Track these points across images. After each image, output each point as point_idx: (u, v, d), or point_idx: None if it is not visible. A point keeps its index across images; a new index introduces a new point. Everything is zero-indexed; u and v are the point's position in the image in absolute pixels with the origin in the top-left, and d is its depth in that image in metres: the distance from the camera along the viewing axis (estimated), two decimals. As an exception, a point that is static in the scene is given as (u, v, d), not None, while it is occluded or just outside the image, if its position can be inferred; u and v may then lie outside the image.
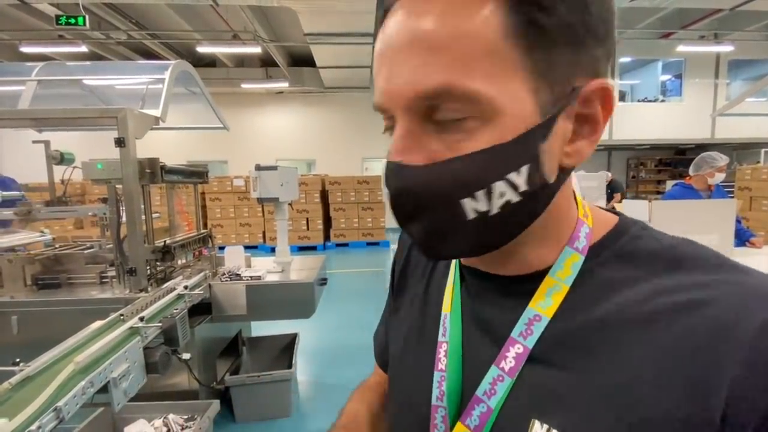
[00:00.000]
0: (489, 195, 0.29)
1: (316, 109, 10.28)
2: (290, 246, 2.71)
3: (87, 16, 4.97)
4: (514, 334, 0.33)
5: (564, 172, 0.32)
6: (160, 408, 1.97)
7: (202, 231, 2.73)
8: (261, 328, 2.98)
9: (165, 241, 2.23)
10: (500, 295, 0.36)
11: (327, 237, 8.03)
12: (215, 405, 1.97)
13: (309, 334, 3.18)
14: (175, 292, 1.88)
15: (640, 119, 9.55)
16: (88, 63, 2.55)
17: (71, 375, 1.16)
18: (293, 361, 2.52)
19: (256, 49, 7.17)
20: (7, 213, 2.20)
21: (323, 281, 2.50)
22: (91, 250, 2.47)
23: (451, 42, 0.26)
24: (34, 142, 2.30)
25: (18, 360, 1.22)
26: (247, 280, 2.20)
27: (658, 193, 11.11)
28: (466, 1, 0.26)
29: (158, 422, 1.92)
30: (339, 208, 7.97)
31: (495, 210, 0.29)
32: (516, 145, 0.28)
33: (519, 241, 0.33)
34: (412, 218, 0.32)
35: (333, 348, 3.30)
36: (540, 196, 0.31)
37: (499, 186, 0.29)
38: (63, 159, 2.29)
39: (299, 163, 10.40)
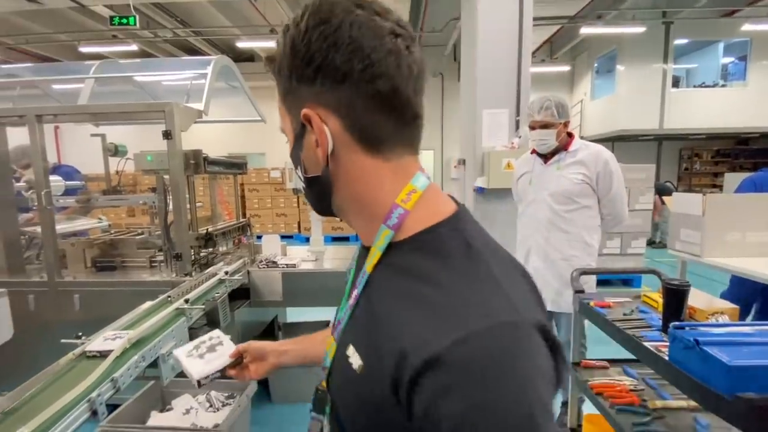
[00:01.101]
0: (297, 178, 0.51)
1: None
2: (324, 236, 2.77)
3: (137, 16, 5.27)
4: (357, 282, 0.50)
5: (328, 168, 0.46)
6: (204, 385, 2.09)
7: (241, 220, 2.86)
8: (295, 315, 3.08)
9: (207, 229, 2.35)
10: (363, 257, 0.51)
11: (360, 228, 8.12)
12: (253, 385, 2.07)
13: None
14: (216, 277, 1.98)
15: (695, 106, 8.85)
16: (138, 60, 2.72)
17: (125, 349, 1.26)
18: (326, 347, 2.59)
19: (292, 43, 7.30)
20: (70, 200, 2.40)
21: (356, 271, 2.54)
22: (142, 236, 2.66)
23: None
24: (92, 135, 2.48)
25: (80, 334, 1.35)
26: (283, 267, 2.28)
27: (714, 186, 10.29)
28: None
29: (201, 398, 2.05)
30: (372, 200, 8.04)
31: (303, 189, 0.52)
32: (293, 154, 0.49)
33: (347, 219, 0.52)
34: None
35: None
36: (317, 183, 0.48)
37: (296, 174, 0.52)
38: (117, 151, 2.46)
39: (334, 155, 10.60)
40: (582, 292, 1.61)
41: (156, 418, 1.92)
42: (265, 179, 7.92)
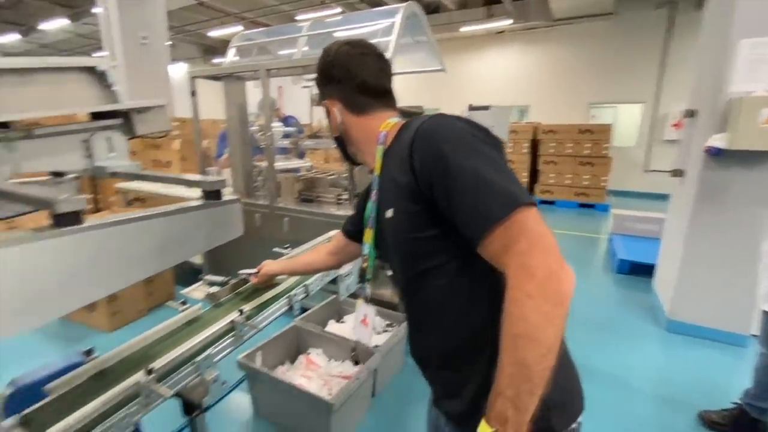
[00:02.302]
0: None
1: (539, 48, 9.17)
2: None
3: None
4: (372, 188, 0.84)
5: (344, 126, 0.87)
6: (370, 310, 2.38)
7: (414, 169, 2.97)
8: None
9: (383, 174, 2.54)
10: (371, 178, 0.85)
11: (530, 192, 7.50)
12: (410, 321, 2.24)
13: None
14: (387, 218, 2.15)
15: None
16: (338, 17, 3.01)
17: (315, 264, 1.51)
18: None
19: (480, -14, 6.82)
20: (285, 143, 2.95)
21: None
22: (333, 176, 3.09)
23: None
24: (303, 87, 2.93)
25: (287, 245, 1.69)
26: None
27: None
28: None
29: (367, 320, 2.35)
30: (550, 161, 7.20)
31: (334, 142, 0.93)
32: (329, 126, 0.92)
33: (360, 157, 0.90)
34: None
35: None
36: (338, 140, 0.91)
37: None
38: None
39: (511, 111, 9.79)
40: None
41: (332, 326, 2.31)
42: (438, 134, 8.01)
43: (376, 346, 1.98)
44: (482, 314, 0.68)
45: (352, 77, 0.82)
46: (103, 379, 0.94)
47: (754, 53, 2.19)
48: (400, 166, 0.70)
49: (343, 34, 2.85)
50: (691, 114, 2.74)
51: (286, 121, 3.67)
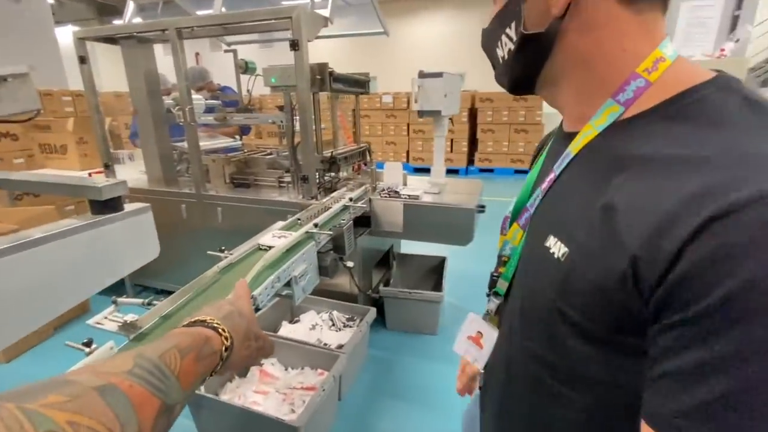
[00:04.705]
0: (502, 45, 0.48)
1: (475, 11, 9.10)
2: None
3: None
4: (555, 165, 0.48)
5: (557, 21, 0.40)
6: (327, 305, 2.17)
7: (362, 145, 2.73)
8: (410, 247, 3.00)
9: (332, 152, 2.27)
10: (562, 144, 0.48)
11: (470, 161, 7.62)
12: (372, 311, 2.07)
13: (453, 261, 3.09)
14: (341, 203, 1.91)
15: None
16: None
17: (262, 269, 1.25)
18: (443, 285, 2.48)
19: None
20: (209, 118, 2.51)
21: (481, 208, 2.27)
22: (271, 156, 2.73)
23: None
24: (225, 51, 2.49)
25: (223, 248, 1.39)
26: (406, 198, 2.12)
27: None
28: None
29: (325, 316, 2.13)
30: (487, 129, 7.32)
31: (506, 56, 0.48)
32: (506, 8, 0.46)
33: (556, 90, 0.47)
34: None
35: (475, 277, 3.16)
36: (536, 42, 0.43)
37: (503, 38, 0.47)
38: (247, 68, 2.45)
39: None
40: None
41: (286, 328, 2.06)
42: (377, 105, 7.74)
43: (340, 346, 1.79)
44: None
45: None
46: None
47: (693, 17, 2.23)
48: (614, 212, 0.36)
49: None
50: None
51: (223, 92, 3.21)
